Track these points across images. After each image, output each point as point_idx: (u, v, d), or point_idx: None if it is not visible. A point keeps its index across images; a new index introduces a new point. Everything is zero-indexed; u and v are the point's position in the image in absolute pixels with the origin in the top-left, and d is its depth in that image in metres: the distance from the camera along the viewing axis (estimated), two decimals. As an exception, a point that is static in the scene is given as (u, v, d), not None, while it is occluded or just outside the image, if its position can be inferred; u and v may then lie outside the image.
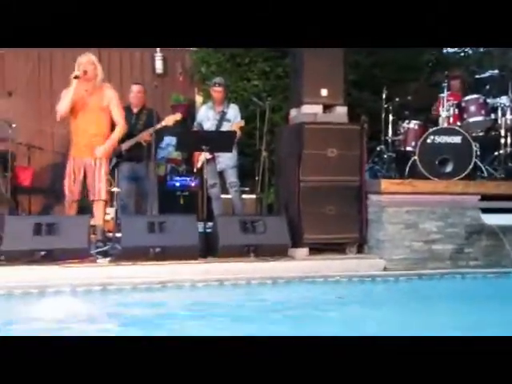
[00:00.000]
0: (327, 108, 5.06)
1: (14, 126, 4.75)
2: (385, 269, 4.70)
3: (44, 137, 6.53)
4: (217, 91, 5.73)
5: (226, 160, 5.71)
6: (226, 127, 5.67)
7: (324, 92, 5.01)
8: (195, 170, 5.72)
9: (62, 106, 4.76)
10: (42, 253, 4.22)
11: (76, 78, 4.67)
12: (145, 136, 5.38)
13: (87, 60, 4.78)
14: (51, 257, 4.24)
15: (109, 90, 4.92)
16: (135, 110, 5.69)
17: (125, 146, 5.50)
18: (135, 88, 5.75)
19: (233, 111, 5.78)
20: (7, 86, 6.55)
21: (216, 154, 5.58)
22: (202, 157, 5.46)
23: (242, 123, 5.61)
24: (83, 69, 4.72)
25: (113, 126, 4.96)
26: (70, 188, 4.87)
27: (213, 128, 5.69)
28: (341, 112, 5.07)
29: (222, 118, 5.75)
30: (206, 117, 5.82)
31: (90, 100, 4.82)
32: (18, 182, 5.55)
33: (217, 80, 5.80)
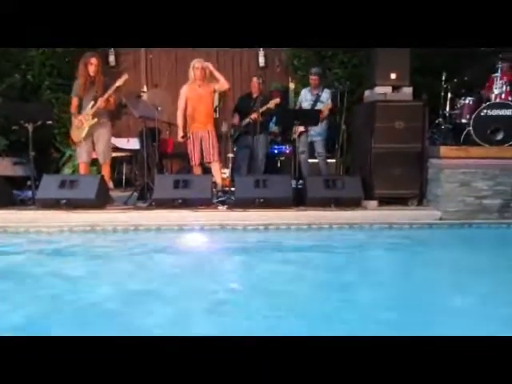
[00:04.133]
0: (395, 89, 4.68)
1: (159, 109, 4.83)
2: (441, 219, 4.34)
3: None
4: (313, 79, 5.51)
5: (316, 133, 5.49)
6: (319, 107, 5.43)
7: (393, 76, 4.63)
8: (292, 139, 5.51)
9: (181, 103, 4.93)
10: (180, 201, 4.35)
11: (199, 86, 4.82)
12: (254, 116, 5.31)
13: (199, 65, 4.86)
14: (186, 203, 4.36)
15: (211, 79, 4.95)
16: (254, 96, 5.55)
17: (244, 122, 5.48)
18: (254, 79, 5.60)
19: (326, 94, 5.51)
20: (154, 79, 6.75)
21: (309, 128, 5.39)
22: (299, 129, 5.33)
23: (330, 105, 5.36)
24: (195, 71, 4.83)
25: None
26: (192, 155, 4.96)
27: (309, 107, 5.46)
28: (407, 92, 4.66)
29: (317, 99, 5.50)
30: (305, 98, 5.61)
31: (200, 91, 4.89)
32: (162, 150, 5.71)
33: (313, 70, 5.55)
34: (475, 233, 4.17)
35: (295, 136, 5.46)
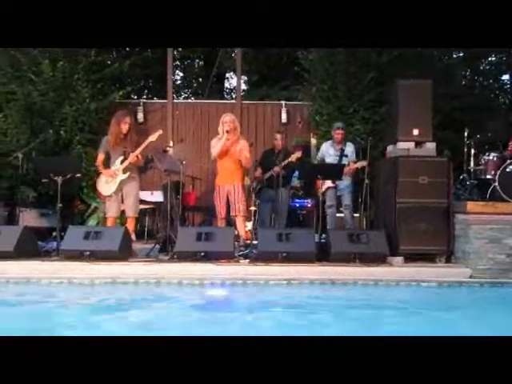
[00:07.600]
0: (418, 144, 4.69)
1: (184, 163, 4.95)
2: (471, 277, 4.16)
3: (203, 171, 6.81)
4: (338, 133, 5.56)
5: (344, 186, 5.46)
6: (344, 161, 5.44)
7: (415, 132, 4.67)
8: (320, 193, 5.35)
9: (215, 151, 4.98)
10: (202, 253, 4.31)
11: (227, 132, 4.88)
12: (276, 169, 5.35)
13: (230, 119, 4.96)
14: (208, 257, 4.31)
15: (242, 140, 5.05)
16: (276, 151, 5.70)
17: (266, 176, 5.55)
18: (278, 135, 5.79)
19: (350, 148, 5.56)
20: (179, 135, 6.96)
21: (337, 182, 5.36)
22: (326, 184, 5.32)
23: (365, 163, 5.22)
24: (228, 127, 4.89)
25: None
26: (219, 208, 4.98)
27: (334, 162, 5.46)
28: (430, 147, 4.68)
29: (342, 154, 5.53)
30: (327, 152, 5.62)
31: (230, 147, 4.96)
32: (185, 203, 5.78)
33: (339, 125, 5.64)
34: (508, 292, 3.97)
35: (323, 190, 5.39)
